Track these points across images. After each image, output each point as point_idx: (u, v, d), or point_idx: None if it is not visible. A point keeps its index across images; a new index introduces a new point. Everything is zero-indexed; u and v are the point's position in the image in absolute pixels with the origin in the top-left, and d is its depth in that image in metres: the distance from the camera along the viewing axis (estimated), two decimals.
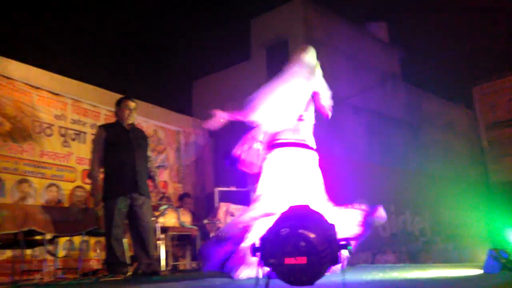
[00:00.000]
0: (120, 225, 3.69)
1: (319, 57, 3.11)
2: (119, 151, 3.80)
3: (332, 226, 1.78)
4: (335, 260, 1.70)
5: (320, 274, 1.69)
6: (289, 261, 1.67)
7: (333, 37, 9.60)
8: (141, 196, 3.79)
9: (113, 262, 3.63)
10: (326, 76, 3.14)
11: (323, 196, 2.81)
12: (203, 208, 7.37)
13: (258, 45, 8.88)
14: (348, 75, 9.34)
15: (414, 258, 8.77)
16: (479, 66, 9.99)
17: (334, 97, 3.17)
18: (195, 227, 5.21)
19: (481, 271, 2.69)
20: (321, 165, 2.99)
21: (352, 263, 4.30)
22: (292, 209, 1.88)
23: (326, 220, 1.80)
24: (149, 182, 4.03)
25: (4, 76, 5.39)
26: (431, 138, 11.53)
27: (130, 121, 3.96)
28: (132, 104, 3.98)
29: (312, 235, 1.69)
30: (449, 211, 10.52)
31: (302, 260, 1.66)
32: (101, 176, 3.82)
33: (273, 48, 8.87)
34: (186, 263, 5.61)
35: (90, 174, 3.82)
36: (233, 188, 7.02)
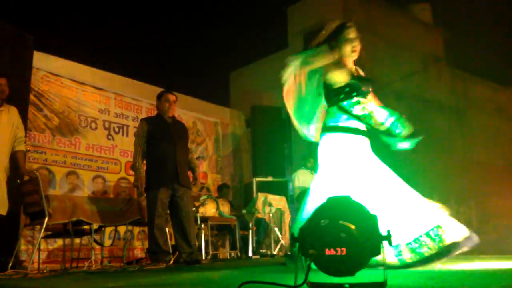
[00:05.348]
0: (162, 215, 3.79)
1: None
2: (160, 144, 3.88)
3: (374, 217, 1.74)
4: (376, 251, 1.67)
5: (361, 265, 1.67)
6: (329, 252, 1.65)
7: (373, 20, 9.29)
8: (182, 187, 3.87)
9: (155, 251, 3.74)
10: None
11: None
12: (241, 198, 7.44)
13: (295, 32, 8.76)
14: (389, 59, 9.04)
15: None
16: None
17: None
18: (233, 217, 5.27)
19: None
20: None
21: None
22: (332, 199, 1.85)
23: (367, 211, 1.77)
24: (189, 174, 4.11)
25: (52, 73, 5.65)
26: (478, 124, 11.02)
27: (170, 114, 4.04)
28: (172, 97, 4.05)
29: (352, 226, 1.67)
30: (498, 200, 10.04)
31: (342, 251, 1.64)
32: (144, 167, 3.94)
33: (310, 35, 8.69)
34: (225, 252, 5.70)
35: (133, 166, 3.93)
36: (270, 178, 7.03)
